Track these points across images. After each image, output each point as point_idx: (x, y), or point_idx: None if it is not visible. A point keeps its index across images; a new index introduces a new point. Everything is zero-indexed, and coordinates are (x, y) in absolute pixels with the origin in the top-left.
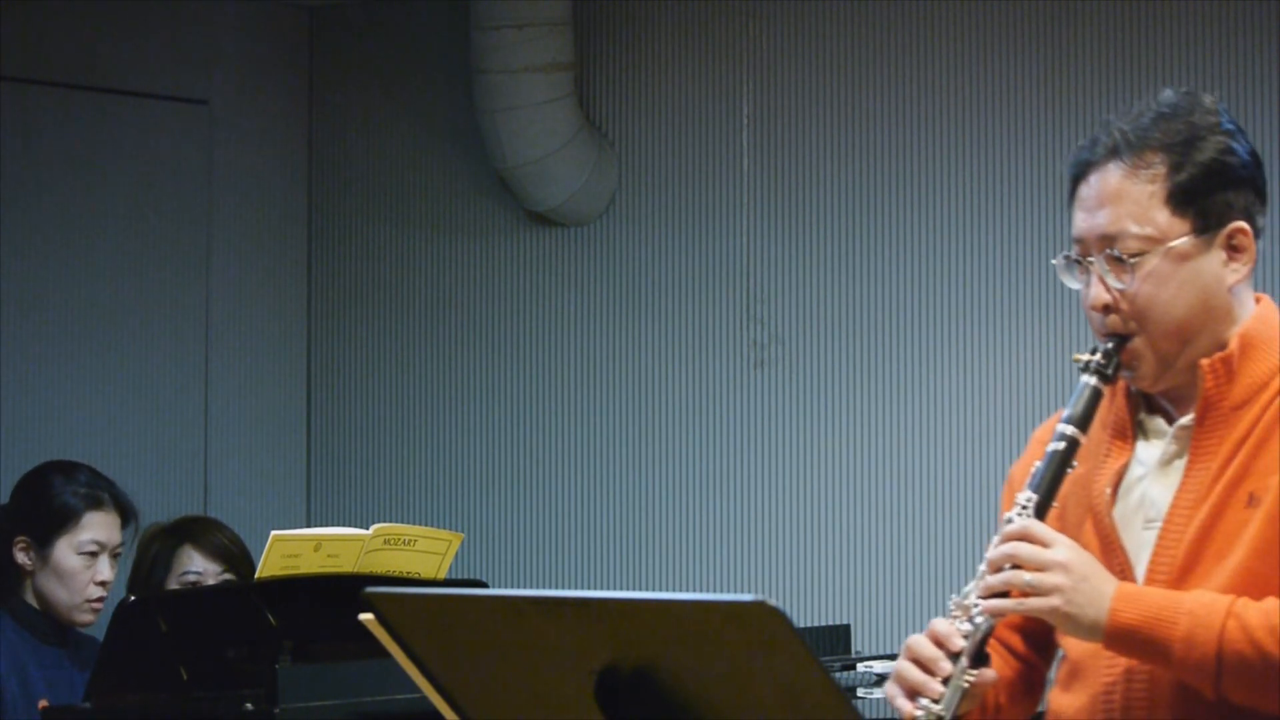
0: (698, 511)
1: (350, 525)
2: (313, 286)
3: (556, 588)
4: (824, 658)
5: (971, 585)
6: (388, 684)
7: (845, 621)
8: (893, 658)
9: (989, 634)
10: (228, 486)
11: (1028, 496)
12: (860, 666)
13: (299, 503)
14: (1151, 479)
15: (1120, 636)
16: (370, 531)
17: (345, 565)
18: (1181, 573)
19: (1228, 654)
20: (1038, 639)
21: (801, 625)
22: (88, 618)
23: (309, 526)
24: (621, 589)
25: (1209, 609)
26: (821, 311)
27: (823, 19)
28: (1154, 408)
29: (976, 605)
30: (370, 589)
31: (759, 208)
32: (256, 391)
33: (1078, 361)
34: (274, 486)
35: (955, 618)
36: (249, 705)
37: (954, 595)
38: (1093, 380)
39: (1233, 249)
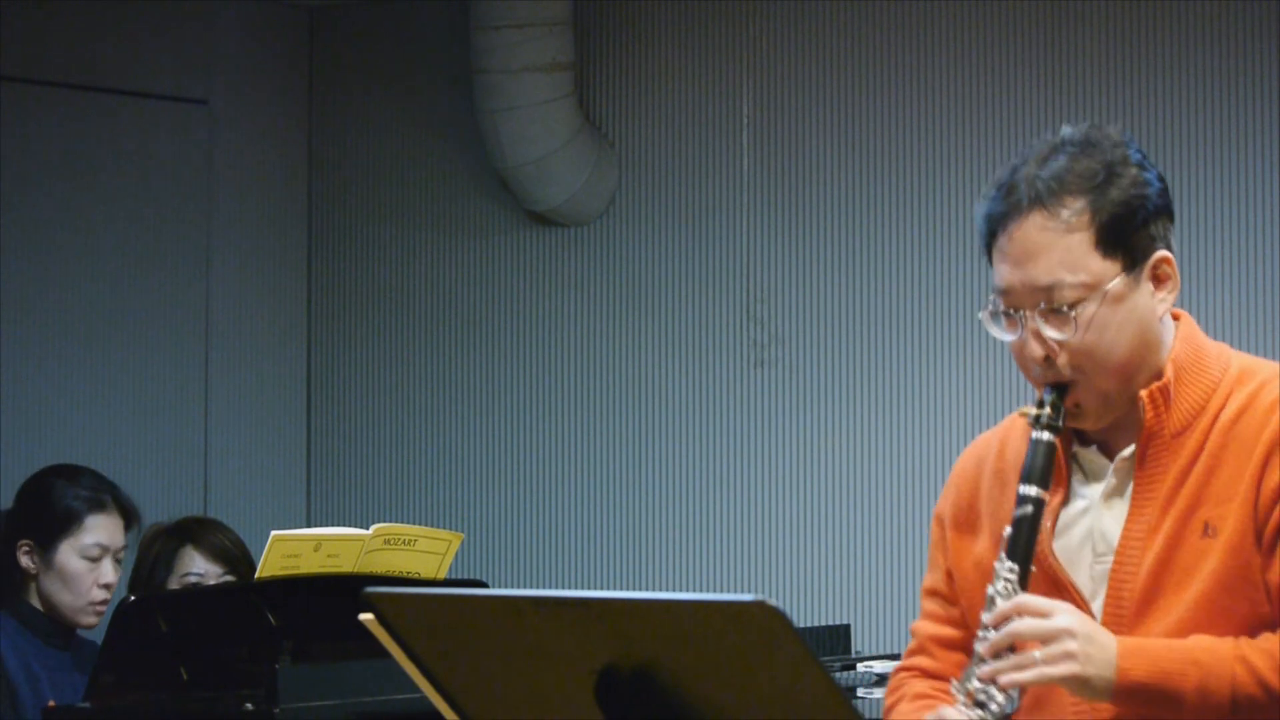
0: (698, 511)
1: (350, 525)
2: (312, 286)
3: (556, 588)
4: (824, 658)
5: (970, 670)
6: (388, 684)
7: (845, 621)
8: (893, 658)
9: (1009, 717)
10: (228, 486)
11: (1009, 568)
12: (860, 666)
13: (299, 502)
14: (1097, 512)
15: (1131, 693)
16: (370, 531)
17: (345, 565)
18: (1140, 605)
19: (1240, 700)
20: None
21: (801, 625)
22: (92, 620)
23: (309, 526)
24: (621, 589)
25: (1216, 657)
26: (821, 311)
27: (823, 19)
28: (1085, 440)
29: (985, 690)
30: (370, 589)
31: (759, 208)
32: (256, 391)
33: (1025, 416)
34: (274, 486)
35: (964, 706)
36: (249, 705)
37: (953, 684)
38: (1045, 436)
39: (1157, 279)
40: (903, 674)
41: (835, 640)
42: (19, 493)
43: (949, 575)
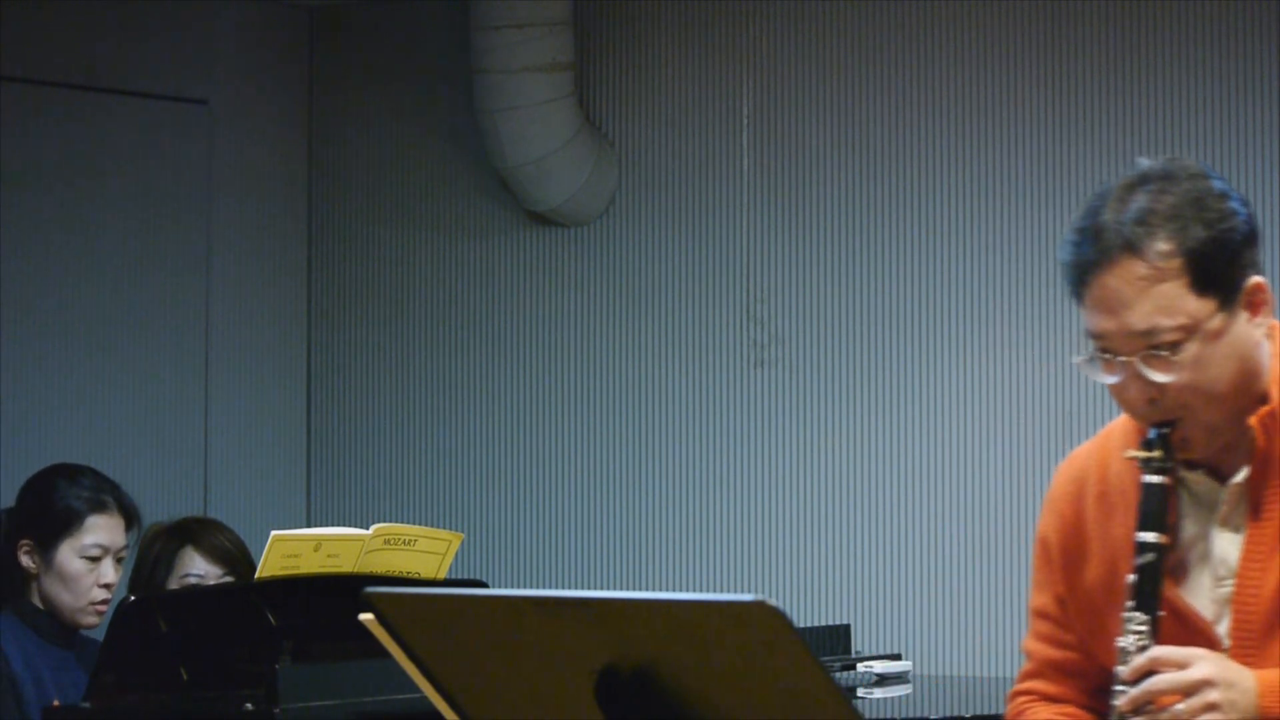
0: (698, 511)
1: (350, 525)
2: (313, 286)
3: (556, 588)
4: (824, 658)
5: None
6: (388, 684)
7: (845, 621)
8: (894, 658)
9: None
10: (228, 486)
11: (1140, 620)
12: (860, 666)
13: (299, 502)
14: (1215, 536)
15: None
16: (370, 531)
17: (345, 565)
18: (1267, 627)
19: None
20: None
21: (801, 625)
22: (92, 620)
23: (309, 526)
24: (621, 589)
25: None
26: (821, 311)
27: (823, 19)
28: (1192, 464)
29: None
30: (370, 589)
31: (759, 207)
32: (256, 391)
33: (1135, 460)
34: (274, 486)
35: None
36: (249, 705)
37: None
38: (1156, 479)
39: (1252, 305)
40: (1021, 699)
41: (835, 640)
42: (21, 492)
43: (1060, 600)
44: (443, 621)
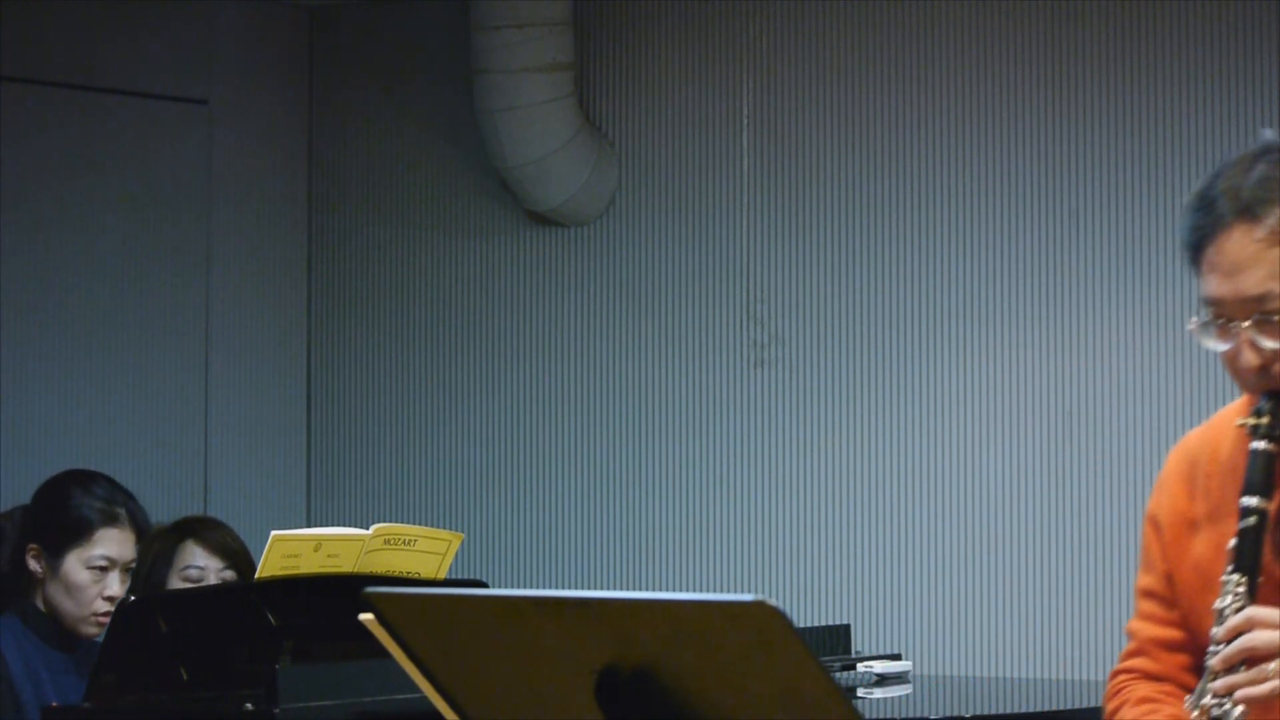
0: (698, 511)
1: (350, 525)
2: (312, 286)
3: (556, 588)
4: (824, 658)
5: (1202, 686)
6: (388, 684)
7: (845, 621)
8: (894, 658)
9: None
10: (228, 486)
11: (1237, 581)
12: (860, 666)
13: (299, 502)
14: None
15: None
16: (370, 531)
17: (345, 565)
18: None
19: None
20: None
21: (801, 625)
22: (92, 630)
23: (309, 526)
24: (621, 589)
25: None
26: (821, 311)
27: (823, 19)
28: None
29: (1220, 704)
30: (370, 589)
31: (759, 208)
32: (256, 391)
33: (1244, 426)
34: (274, 486)
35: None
36: (249, 705)
37: (1186, 700)
38: (1263, 445)
39: None
40: (1122, 676)
41: (835, 640)
42: (35, 494)
43: (1167, 577)
44: (443, 622)
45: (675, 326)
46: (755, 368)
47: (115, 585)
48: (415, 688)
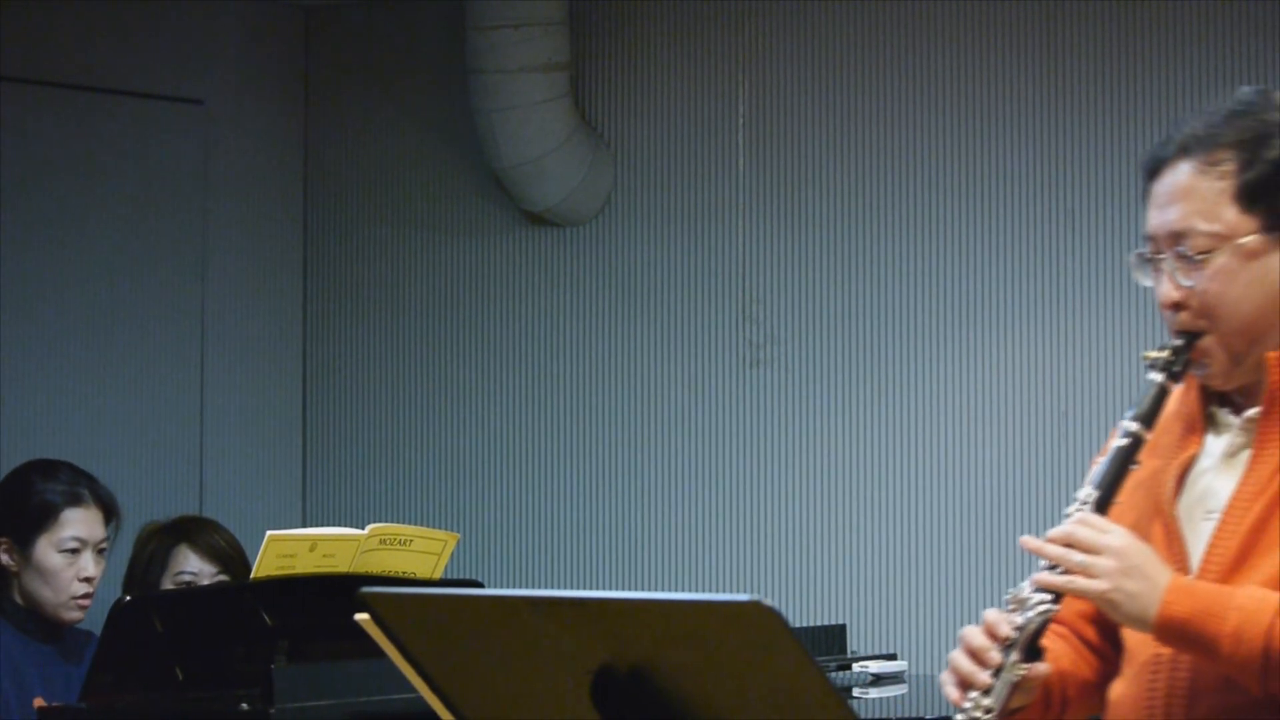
0: (693, 511)
1: (346, 525)
2: (308, 286)
3: (552, 587)
4: (819, 657)
5: (1028, 580)
6: (383, 684)
7: (841, 621)
8: (889, 658)
9: (1043, 627)
10: (223, 486)
11: (1088, 492)
12: (856, 666)
13: (295, 502)
14: (1215, 471)
15: (1170, 629)
16: (366, 531)
17: (341, 565)
18: (1233, 565)
19: (1275, 651)
20: (1112, 633)
21: (797, 625)
22: (75, 614)
23: (304, 526)
24: (617, 589)
25: (1260, 605)
26: (817, 311)
27: (819, 19)
28: (1225, 401)
29: (1030, 599)
30: (366, 589)
31: (755, 208)
32: (252, 390)
33: (1146, 359)
34: (270, 486)
35: (1010, 610)
36: (244, 705)
37: (1010, 590)
38: (1159, 377)
39: None
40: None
41: (831, 640)
42: None
43: None
44: (438, 622)
45: (671, 326)
46: (751, 367)
47: (90, 565)
48: (411, 688)
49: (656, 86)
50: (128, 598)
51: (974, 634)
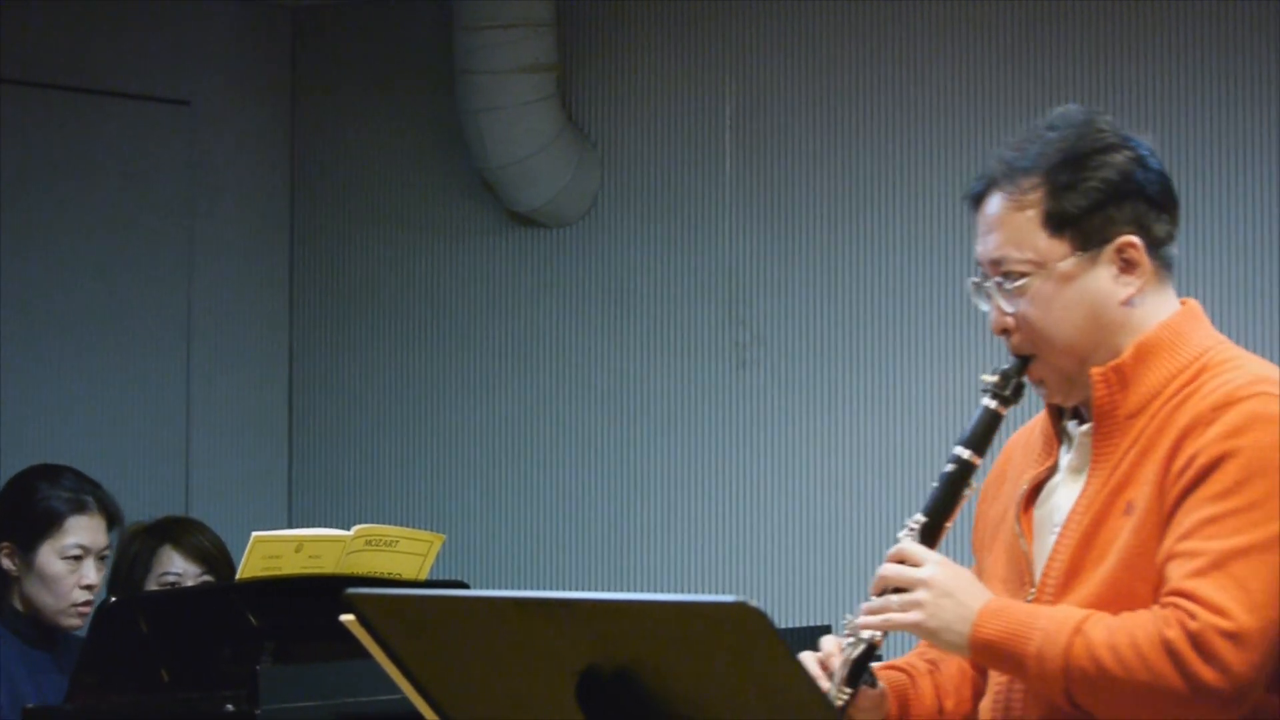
0: (680, 512)
1: (332, 526)
2: (295, 287)
3: (538, 588)
4: None
5: (862, 606)
6: (369, 685)
7: (826, 622)
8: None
9: (867, 655)
10: (209, 487)
11: (917, 519)
12: None
13: (281, 504)
14: (1063, 485)
15: (981, 650)
16: (352, 532)
17: (327, 566)
18: (1066, 578)
19: (1073, 670)
20: None
21: (782, 626)
22: (75, 621)
23: (290, 527)
24: (603, 589)
25: (1060, 626)
26: (804, 313)
27: (806, 21)
28: (1077, 415)
29: (862, 628)
30: (351, 590)
31: (742, 209)
32: (239, 390)
33: (982, 384)
34: (256, 488)
35: (847, 637)
36: (230, 706)
37: (848, 615)
38: (991, 404)
39: (1125, 263)
40: None
41: (816, 641)
42: (1, 493)
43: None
44: (424, 623)
45: (658, 327)
46: (738, 369)
47: (92, 574)
48: (396, 689)
49: (644, 88)
50: (113, 599)
51: (807, 662)
